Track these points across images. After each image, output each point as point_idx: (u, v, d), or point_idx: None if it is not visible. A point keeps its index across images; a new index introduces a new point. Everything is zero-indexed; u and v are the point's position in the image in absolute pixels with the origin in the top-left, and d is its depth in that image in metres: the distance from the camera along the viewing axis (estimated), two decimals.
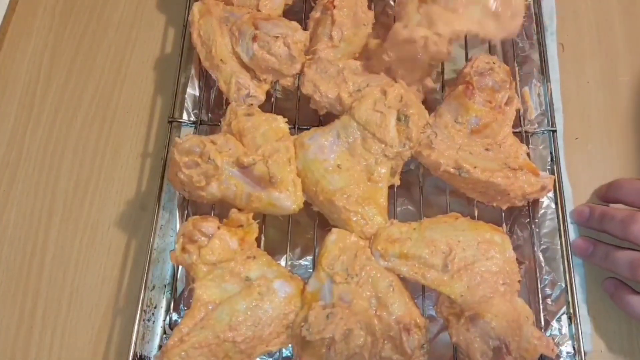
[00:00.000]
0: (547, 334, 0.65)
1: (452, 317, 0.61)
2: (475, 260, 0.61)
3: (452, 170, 0.65)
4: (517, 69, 0.76)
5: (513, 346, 0.58)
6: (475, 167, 0.64)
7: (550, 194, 0.70)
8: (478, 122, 0.66)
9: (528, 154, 0.68)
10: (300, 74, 0.73)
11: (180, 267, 0.68)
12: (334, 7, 0.73)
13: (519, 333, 0.59)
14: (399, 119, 0.67)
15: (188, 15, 0.77)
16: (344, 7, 0.73)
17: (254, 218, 0.67)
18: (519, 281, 0.62)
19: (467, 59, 0.75)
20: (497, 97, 0.67)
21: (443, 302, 0.62)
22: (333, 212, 0.66)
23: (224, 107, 0.72)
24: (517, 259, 0.63)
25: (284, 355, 0.65)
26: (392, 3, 0.81)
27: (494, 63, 0.68)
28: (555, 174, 0.70)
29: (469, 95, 0.66)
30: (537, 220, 0.70)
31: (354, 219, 0.65)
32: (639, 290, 0.65)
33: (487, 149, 0.66)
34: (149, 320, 0.67)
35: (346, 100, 0.69)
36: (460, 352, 0.62)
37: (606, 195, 0.71)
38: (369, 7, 0.76)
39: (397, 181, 0.69)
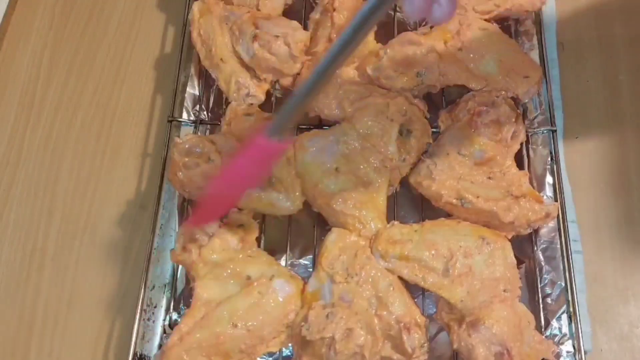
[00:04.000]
0: (547, 333, 0.65)
1: (452, 322, 0.61)
2: (477, 265, 0.61)
3: (454, 201, 0.63)
4: None
5: (515, 351, 0.58)
6: (477, 197, 0.63)
7: (550, 193, 0.70)
8: (482, 155, 0.65)
9: (530, 179, 0.67)
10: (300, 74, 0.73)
11: (180, 266, 0.68)
12: (334, 9, 0.73)
13: (521, 338, 0.59)
14: (400, 132, 0.65)
15: (188, 14, 0.78)
16: (344, 10, 0.73)
17: (254, 217, 0.67)
18: (520, 287, 0.62)
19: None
20: (503, 130, 0.65)
21: (443, 308, 0.62)
22: (331, 215, 0.66)
23: (224, 107, 0.72)
24: (517, 258, 0.63)
25: (284, 355, 0.65)
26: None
27: (497, 97, 0.66)
28: (555, 174, 0.70)
29: (473, 127, 0.65)
30: None
31: (351, 222, 0.64)
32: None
33: (489, 177, 0.65)
34: (149, 319, 0.67)
35: (347, 108, 0.69)
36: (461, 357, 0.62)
37: None
38: None
39: (397, 187, 0.69)
